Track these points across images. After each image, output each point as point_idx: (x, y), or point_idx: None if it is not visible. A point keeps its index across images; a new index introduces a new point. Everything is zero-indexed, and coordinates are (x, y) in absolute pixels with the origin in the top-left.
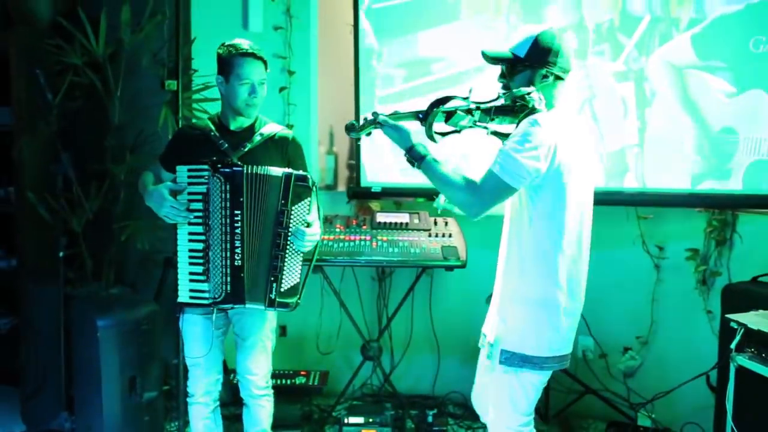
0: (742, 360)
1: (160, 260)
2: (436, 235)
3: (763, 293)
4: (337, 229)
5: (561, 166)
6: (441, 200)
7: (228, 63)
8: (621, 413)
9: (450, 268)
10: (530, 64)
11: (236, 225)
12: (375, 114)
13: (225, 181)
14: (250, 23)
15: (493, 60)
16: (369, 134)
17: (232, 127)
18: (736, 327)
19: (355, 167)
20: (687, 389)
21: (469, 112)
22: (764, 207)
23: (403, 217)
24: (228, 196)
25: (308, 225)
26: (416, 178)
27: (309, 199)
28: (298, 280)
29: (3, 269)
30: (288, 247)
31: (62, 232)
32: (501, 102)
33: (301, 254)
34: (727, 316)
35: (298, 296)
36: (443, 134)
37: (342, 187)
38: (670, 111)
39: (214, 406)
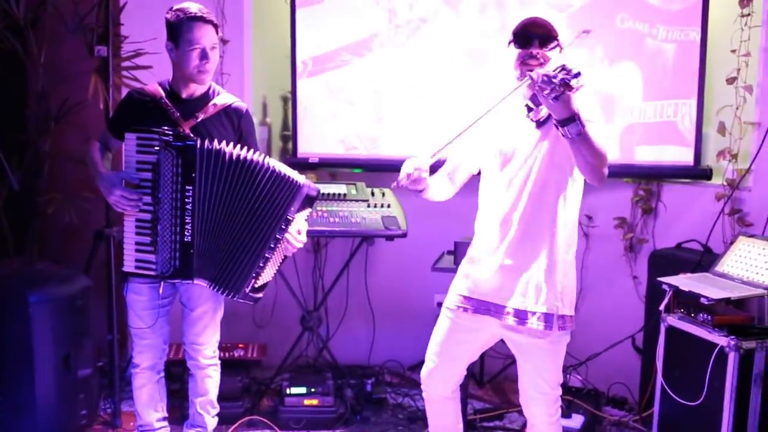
0: (673, 320)
1: (87, 234)
2: (375, 206)
3: (688, 258)
4: None
5: None
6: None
7: (177, 27)
8: None
9: (391, 238)
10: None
11: (187, 200)
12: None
13: (177, 155)
14: None
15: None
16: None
17: (184, 95)
18: (666, 289)
19: (291, 138)
20: (613, 351)
21: (565, 85)
22: (684, 177)
23: (340, 188)
24: (180, 171)
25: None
26: (353, 150)
27: (309, 209)
28: (270, 278)
29: None
30: (276, 249)
31: None
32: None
33: (283, 256)
34: (659, 279)
35: (262, 292)
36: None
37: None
38: None
39: (158, 376)
